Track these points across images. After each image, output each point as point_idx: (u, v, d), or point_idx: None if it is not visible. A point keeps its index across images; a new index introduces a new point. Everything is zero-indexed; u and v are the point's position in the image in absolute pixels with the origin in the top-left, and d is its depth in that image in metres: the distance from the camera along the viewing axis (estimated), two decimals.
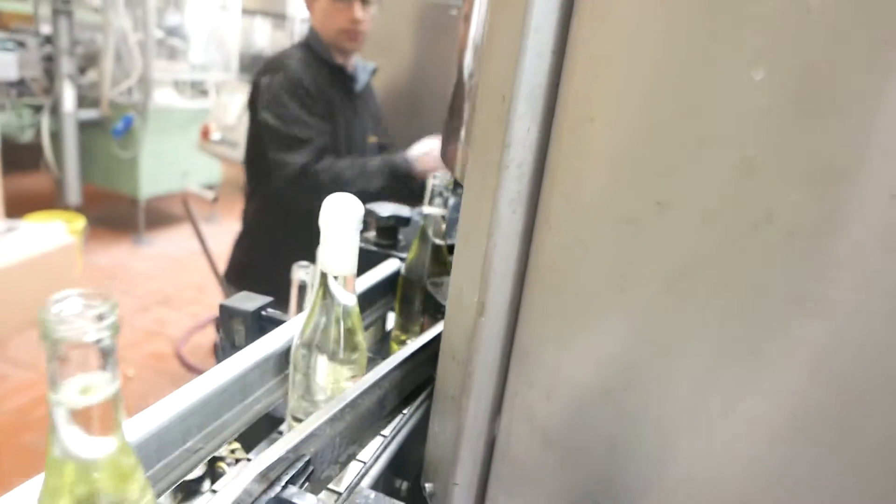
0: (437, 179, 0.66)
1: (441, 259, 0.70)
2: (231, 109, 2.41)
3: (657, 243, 0.34)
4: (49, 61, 3.58)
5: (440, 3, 1.87)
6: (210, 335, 3.36)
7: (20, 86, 3.51)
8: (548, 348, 0.41)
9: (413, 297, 0.70)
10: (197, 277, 3.62)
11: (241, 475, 0.34)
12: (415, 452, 0.57)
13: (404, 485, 0.61)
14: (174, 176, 3.87)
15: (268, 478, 0.36)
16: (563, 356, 0.40)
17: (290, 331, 0.54)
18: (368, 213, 0.78)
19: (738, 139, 0.30)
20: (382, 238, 0.78)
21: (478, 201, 0.41)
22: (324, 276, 0.48)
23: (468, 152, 0.43)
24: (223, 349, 0.58)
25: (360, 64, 1.67)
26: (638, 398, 0.38)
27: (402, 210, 0.77)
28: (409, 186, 1.53)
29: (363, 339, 0.52)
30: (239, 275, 1.75)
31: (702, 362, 0.35)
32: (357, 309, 0.51)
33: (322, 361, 0.50)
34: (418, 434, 0.57)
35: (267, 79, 1.53)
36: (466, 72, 0.60)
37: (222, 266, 2.98)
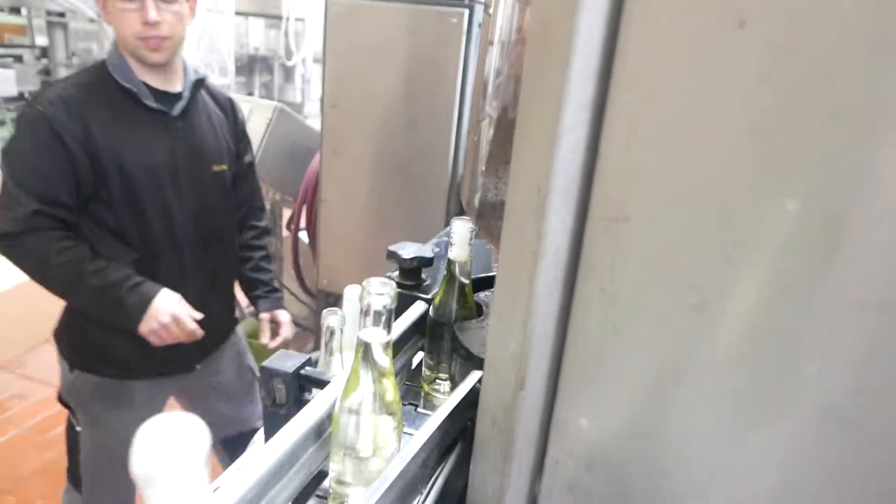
0: (459, 226, 0.68)
1: (468, 302, 0.72)
2: None
3: (689, 339, 0.36)
4: (46, 74, 3.58)
5: (439, 10, 1.87)
6: None
7: (19, 100, 3.51)
8: (586, 421, 0.43)
9: (442, 338, 0.72)
10: None
11: None
12: (452, 495, 0.60)
13: None
14: None
15: None
16: (602, 429, 0.42)
17: (329, 397, 0.56)
18: (391, 255, 0.80)
19: (773, 255, 0.31)
20: (406, 279, 0.80)
21: (515, 285, 0.43)
22: (367, 345, 0.51)
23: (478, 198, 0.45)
24: (265, 407, 0.61)
25: (191, 77, 1.40)
26: (675, 463, 0.40)
27: (425, 250, 0.79)
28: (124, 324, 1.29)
29: (398, 392, 0.55)
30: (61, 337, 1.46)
31: (725, 434, 0.37)
32: (392, 369, 0.54)
33: (365, 422, 0.52)
34: (455, 476, 0.60)
35: (24, 109, 1.29)
36: (492, 71, 0.61)
37: None
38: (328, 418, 0.55)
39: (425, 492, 0.58)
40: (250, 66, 5.10)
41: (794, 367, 0.33)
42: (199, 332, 1.35)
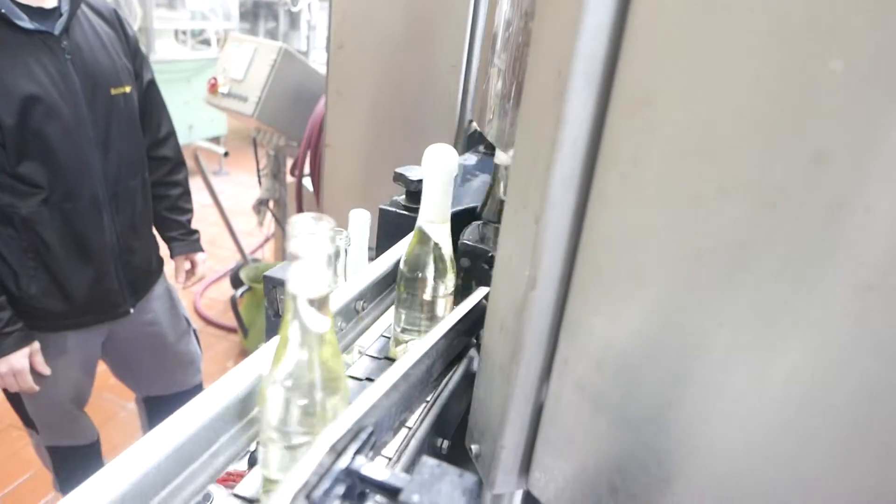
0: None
1: (443, 259, 0.67)
2: (239, 62, 2.37)
3: (715, 226, 0.35)
4: None
5: None
6: (226, 289, 3.41)
7: None
8: (598, 320, 0.42)
9: (413, 296, 0.67)
10: (209, 231, 3.63)
11: (313, 449, 0.36)
12: (452, 412, 0.60)
13: (445, 443, 0.64)
14: (181, 130, 3.84)
15: (336, 449, 0.38)
16: (614, 327, 0.41)
17: (257, 366, 0.48)
18: (398, 177, 0.78)
19: (813, 130, 0.29)
20: (412, 202, 0.78)
21: (529, 178, 0.41)
22: (294, 298, 0.40)
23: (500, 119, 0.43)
24: (267, 318, 0.60)
25: None
26: (687, 368, 0.39)
27: None
28: None
29: (341, 362, 0.45)
30: None
31: (751, 333, 0.36)
32: (333, 332, 0.44)
33: (297, 399, 0.43)
34: (455, 396, 0.59)
35: None
36: (502, 22, 0.59)
37: (235, 219, 2.98)
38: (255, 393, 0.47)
39: (427, 405, 0.57)
40: (255, 11, 4.99)
41: (827, 257, 0.32)
42: (35, 389, 1.37)
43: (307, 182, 2.55)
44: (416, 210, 0.78)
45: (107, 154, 1.34)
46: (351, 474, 0.37)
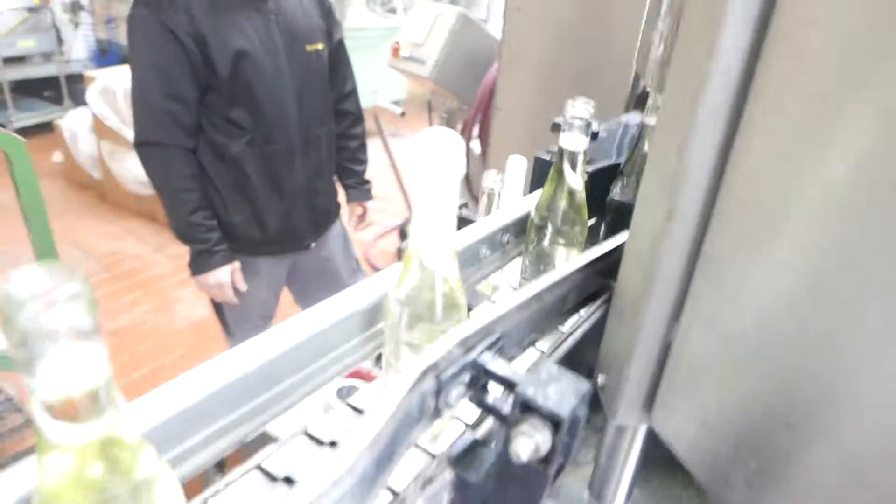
0: (577, 108, 0.62)
1: (576, 204, 0.67)
2: (420, 27, 2.49)
3: (872, 158, 0.33)
4: None
5: None
6: (395, 241, 3.67)
7: None
8: (738, 255, 0.41)
9: (541, 244, 0.68)
10: (383, 188, 3.90)
11: (444, 338, 0.41)
12: (587, 354, 0.61)
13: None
14: (365, 93, 4.13)
15: (465, 344, 0.42)
16: (755, 264, 0.40)
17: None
18: (556, 127, 0.79)
19: None
20: None
21: (677, 108, 0.41)
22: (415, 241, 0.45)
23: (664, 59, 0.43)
24: None
25: None
26: (836, 315, 0.37)
27: (592, 125, 0.78)
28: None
29: (460, 290, 0.48)
30: None
31: None
32: (454, 276, 0.48)
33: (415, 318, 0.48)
34: (591, 337, 0.61)
35: (132, 11, 1.38)
36: None
37: (407, 178, 3.15)
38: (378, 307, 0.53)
39: (562, 337, 0.60)
40: None
41: None
42: (234, 302, 1.60)
43: (475, 145, 2.63)
44: None
45: (301, 105, 1.52)
46: (476, 366, 0.42)
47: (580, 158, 0.65)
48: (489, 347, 0.43)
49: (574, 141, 0.64)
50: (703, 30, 0.38)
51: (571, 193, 0.65)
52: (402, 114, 3.36)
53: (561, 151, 0.65)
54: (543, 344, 0.59)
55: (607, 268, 0.58)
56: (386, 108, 3.42)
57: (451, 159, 0.40)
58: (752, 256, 0.40)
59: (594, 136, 0.79)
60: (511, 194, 0.80)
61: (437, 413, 0.41)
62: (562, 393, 0.38)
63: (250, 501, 0.46)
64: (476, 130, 2.56)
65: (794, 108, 0.36)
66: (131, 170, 3.69)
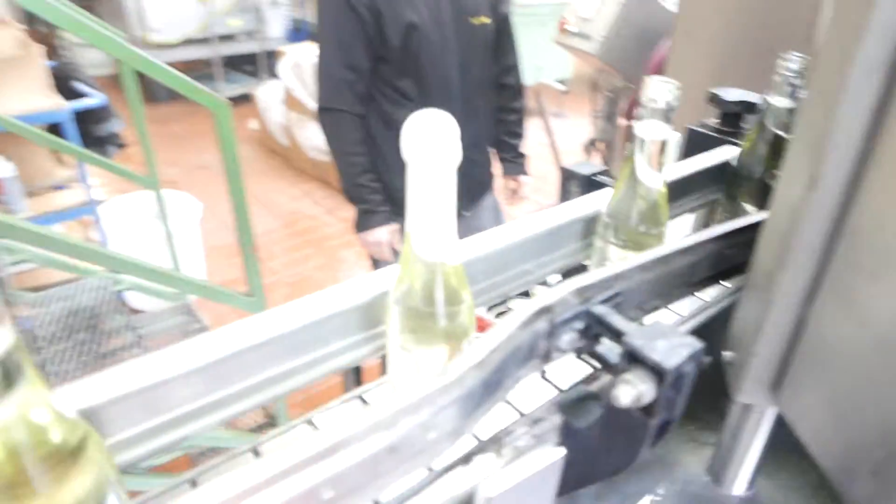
0: (791, 62, 0.61)
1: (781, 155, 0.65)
2: (590, 1, 2.44)
3: None
4: None
5: None
6: None
7: None
8: (887, 231, 0.38)
9: (740, 193, 0.67)
10: (541, 167, 3.90)
11: (559, 287, 0.43)
12: (720, 332, 0.60)
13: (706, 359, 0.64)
14: (529, 70, 4.12)
15: (582, 294, 0.44)
16: None
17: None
18: (713, 98, 0.76)
19: None
20: (725, 124, 0.76)
21: (829, 68, 0.39)
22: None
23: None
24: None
25: None
26: None
27: (751, 96, 0.73)
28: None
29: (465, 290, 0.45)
30: None
31: None
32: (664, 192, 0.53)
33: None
34: (724, 316, 0.59)
35: None
36: None
37: (566, 158, 3.14)
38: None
39: (693, 312, 0.59)
40: None
41: None
42: (391, 261, 1.63)
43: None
44: (728, 133, 0.76)
45: (463, 76, 1.58)
46: (590, 315, 0.43)
47: (660, 149, 0.54)
48: (606, 301, 0.45)
49: (652, 129, 0.53)
50: None
51: (646, 190, 0.56)
52: (566, 91, 3.31)
53: (635, 139, 0.54)
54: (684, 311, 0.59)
55: (747, 243, 0.56)
56: (549, 84, 3.39)
57: (446, 144, 0.37)
58: None
59: (752, 107, 0.74)
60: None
61: (547, 356, 0.44)
62: (670, 348, 0.39)
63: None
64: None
65: None
66: (311, 138, 4.06)
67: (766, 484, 0.59)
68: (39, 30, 3.40)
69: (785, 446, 0.53)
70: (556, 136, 3.49)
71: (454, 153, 0.37)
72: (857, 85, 0.37)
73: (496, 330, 0.39)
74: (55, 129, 2.37)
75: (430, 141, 0.37)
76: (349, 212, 1.74)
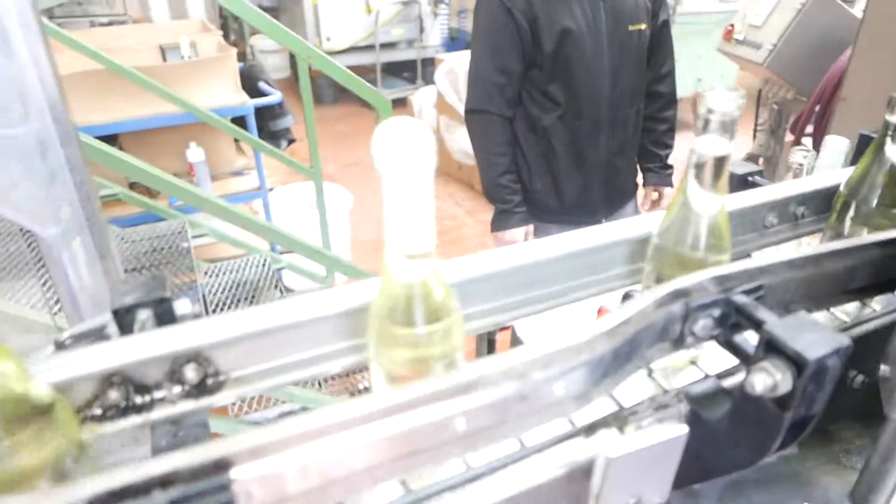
0: None
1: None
2: (760, 6, 2.29)
3: None
4: None
5: None
6: None
7: None
8: None
9: (845, 220, 0.61)
10: None
11: (701, 273, 0.43)
12: (876, 347, 0.56)
13: (859, 377, 0.60)
14: (689, 81, 3.95)
15: (722, 283, 0.44)
16: None
17: None
18: (891, 102, 0.70)
19: None
20: None
21: None
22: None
23: None
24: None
25: None
26: None
27: None
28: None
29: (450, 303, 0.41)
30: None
31: None
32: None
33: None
34: (885, 330, 0.55)
35: None
36: None
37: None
38: None
39: (855, 321, 0.55)
40: None
41: None
42: None
43: (808, 141, 2.34)
44: None
45: (615, 83, 1.56)
46: (729, 304, 0.43)
47: (717, 166, 0.48)
48: (747, 292, 0.44)
49: (709, 144, 0.48)
50: None
51: (894, 169, 0.58)
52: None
53: (886, 123, 0.58)
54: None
55: None
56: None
57: (418, 153, 0.33)
58: None
59: None
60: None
61: (681, 340, 0.45)
62: (813, 340, 0.38)
63: None
64: (810, 127, 2.27)
65: None
66: (458, 141, 4.20)
67: None
68: (233, 37, 3.86)
69: None
70: None
71: (426, 163, 0.33)
72: None
73: (630, 304, 0.40)
74: (240, 122, 2.68)
75: (403, 150, 0.33)
76: (488, 215, 1.80)
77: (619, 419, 0.47)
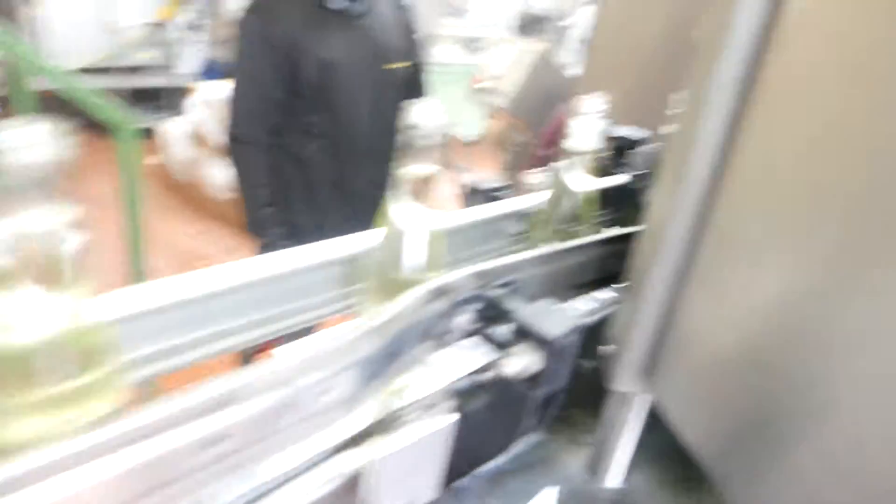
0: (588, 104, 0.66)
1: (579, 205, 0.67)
2: (501, 60, 2.61)
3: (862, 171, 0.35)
4: None
5: None
6: None
7: None
8: (751, 231, 0.43)
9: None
10: None
11: (461, 272, 0.46)
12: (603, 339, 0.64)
13: (590, 364, 0.68)
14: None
15: (481, 277, 0.47)
16: (762, 243, 0.42)
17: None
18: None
19: None
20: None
21: (697, 88, 0.45)
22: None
23: None
24: None
25: None
26: (831, 303, 0.38)
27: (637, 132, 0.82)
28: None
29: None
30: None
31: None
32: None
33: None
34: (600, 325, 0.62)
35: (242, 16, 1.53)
36: None
37: None
38: None
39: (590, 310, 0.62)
40: (531, 25, 5.31)
41: None
42: None
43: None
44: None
45: (374, 117, 1.63)
46: (485, 298, 0.46)
47: (586, 159, 0.64)
48: (503, 286, 0.48)
49: (578, 140, 0.64)
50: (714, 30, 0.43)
51: (574, 194, 0.65)
52: (471, 143, 3.47)
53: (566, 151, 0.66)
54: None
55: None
56: (459, 138, 3.54)
57: None
58: (762, 237, 0.43)
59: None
60: None
61: (446, 336, 0.46)
62: (554, 322, 0.42)
63: None
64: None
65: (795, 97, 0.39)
66: (213, 175, 3.96)
67: (640, 478, 0.63)
68: None
69: (657, 444, 0.57)
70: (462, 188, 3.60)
71: None
72: (715, 102, 0.43)
73: (394, 303, 0.41)
74: None
75: None
76: (248, 252, 1.71)
77: (387, 425, 0.46)
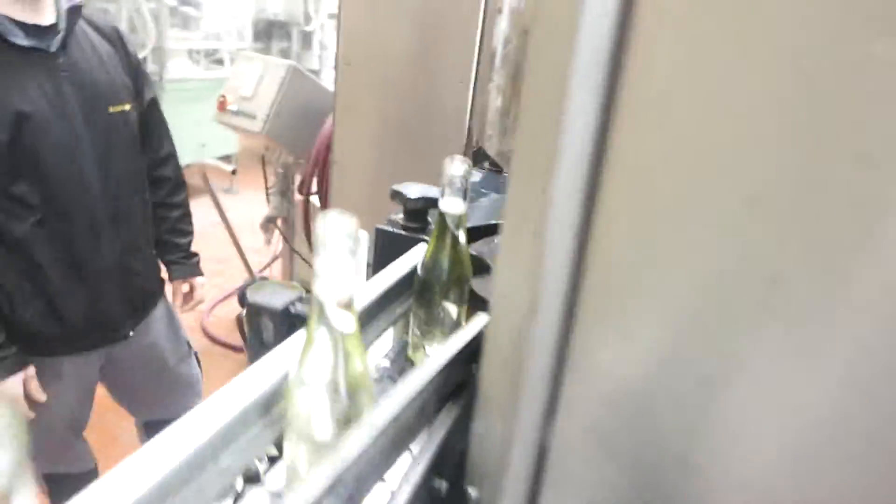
0: (456, 168, 0.61)
1: (462, 259, 0.66)
2: (247, 80, 2.36)
3: (740, 241, 0.30)
4: None
5: None
6: (234, 307, 3.38)
7: None
8: (610, 351, 0.36)
9: (433, 300, 0.66)
10: (219, 249, 3.62)
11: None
12: (453, 451, 0.54)
13: (444, 485, 0.58)
14: (192, 148, 3.85)
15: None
16: (626, 362, 0.36)
17: (284, 361, 0.47)
18: (396, 195, 0.73)
19: (860, 127, 0.24)
20: (411, 221, 0.73)
21: (527, 191, 0.36)
22: (321, 304, 0.41)
23: (511, 134, 0.39)
24: (252, 346, 0.55)
25: (64, 5, 1.24)
26: (708, 407, 0.34)
27: (431, 191, 0.73)
28: None
29: (365, 362, 0.45)
30: None
31: (783, 365, 0.31)
32: (358, 331, 0.43)
33: (322, 398, 0.43)
34: (456, 432, 0.54)
35: None
36: (501, 39, 0.55)
37: (244, 237, 2.96)
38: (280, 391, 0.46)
39: (421, 447, 0.52)
40: (268, 31, 5.02)
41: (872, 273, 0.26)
42: (30, 416, 1.32)
43: (315, 200, 2.52)
44: (414, 230, 0.74)
45: (106, 173, 1.31)
46: None
47: (460, 220, 0.64)
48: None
49: (454, 204, 0.63)
50: (552, 102, 0.34)
51: (457, 254, 0.65)
52: (234, 171, 3.16)
53: (442, 215, 0.63)
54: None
55: (470, 355, 0.52)
56: (215, 166, 3.20)
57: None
58: (625, 353, 0.36)
59: (436, 202, 0.74)
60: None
61: None
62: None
63: None
64: (315, 185, 2.46)
65: (650, 188, 0.32)
66: None
67: None
68: None
69: None
70: (229, 214, 3.28)
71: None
72: (560, 208, 0.35)
73: None
74: None
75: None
76: None
77: None
